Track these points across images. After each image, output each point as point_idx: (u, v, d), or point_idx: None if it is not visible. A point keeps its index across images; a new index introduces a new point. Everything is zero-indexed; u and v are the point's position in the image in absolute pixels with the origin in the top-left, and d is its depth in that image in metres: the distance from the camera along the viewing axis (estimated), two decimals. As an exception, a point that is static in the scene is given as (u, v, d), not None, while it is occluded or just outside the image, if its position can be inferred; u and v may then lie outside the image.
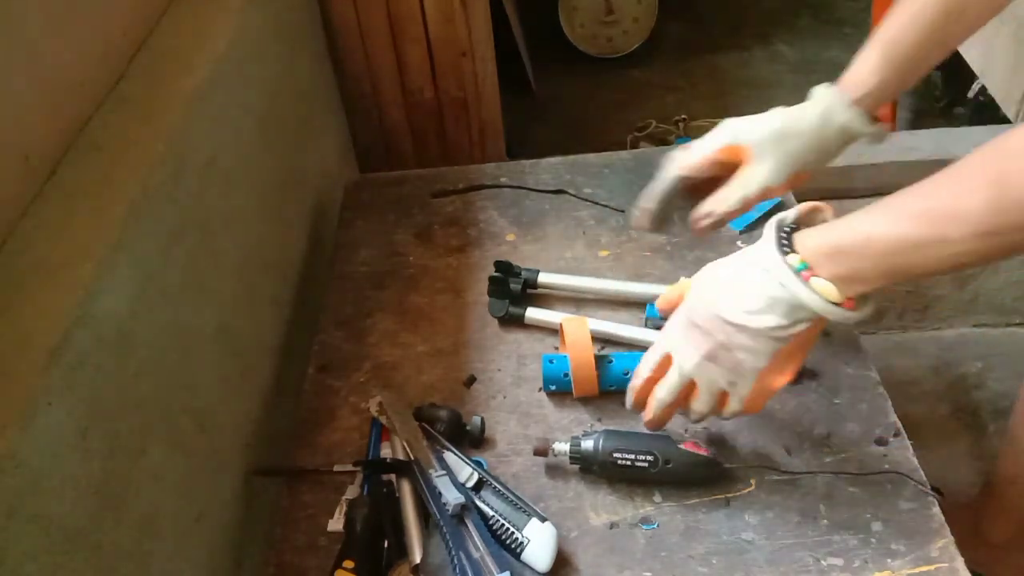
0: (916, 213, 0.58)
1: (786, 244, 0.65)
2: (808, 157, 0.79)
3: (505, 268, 0.98)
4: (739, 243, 1.04)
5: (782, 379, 0.71)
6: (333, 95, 1.43)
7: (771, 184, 0.80)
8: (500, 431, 0.86)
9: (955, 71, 1.82)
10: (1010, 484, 1.19)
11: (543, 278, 0.99)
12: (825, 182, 1.51)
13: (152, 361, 0.69)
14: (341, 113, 1.47)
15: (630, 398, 0.76)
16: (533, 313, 0.96)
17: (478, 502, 0.76)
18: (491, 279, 0.97)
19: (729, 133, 0.82)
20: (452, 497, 0.74)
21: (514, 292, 0.97)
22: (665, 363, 0.72)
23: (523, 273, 0.99)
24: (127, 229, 0.66)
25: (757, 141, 0.80)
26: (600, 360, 0.85)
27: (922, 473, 0.78)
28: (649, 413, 0.74)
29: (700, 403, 0.71)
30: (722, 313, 0.66)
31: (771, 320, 0.64)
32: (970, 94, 1.83)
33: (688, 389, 0.72)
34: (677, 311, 0.72)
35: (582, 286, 0.99)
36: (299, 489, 0.83)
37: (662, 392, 0.72)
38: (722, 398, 0.71)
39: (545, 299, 0.99)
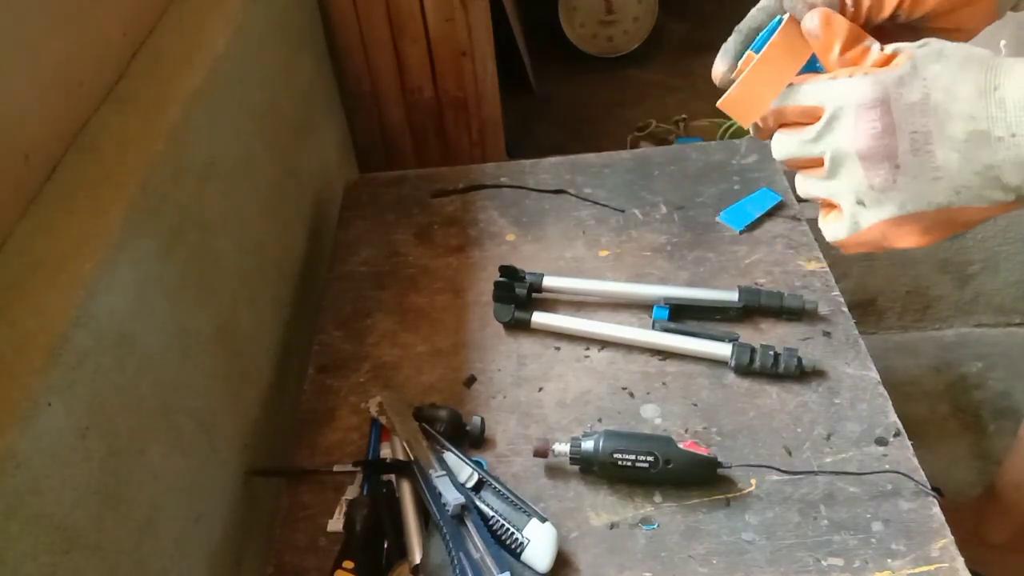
0: None
1: None
2: None
3: (510, 273, 0.98)
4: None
5: (910, 239, 0.51)
6: (333, 94, 1.43)
7: None
8: (500, 431, 0.86)
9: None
10: (1016, 489, 1.19)
11: (548, 282, 0.99)
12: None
13: (152, 361, 0.69)
14: (341, 112, 1.47)
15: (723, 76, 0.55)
16: (539, 318, 0.95)
17: (478, 502, 0.76)
18: (496, 284, 0.97)
19: None
20: (452, 497, 0.74)
21: (519, 297, 0.97)
22: (810, 112, 0.51)
23: (528, 277, 0.98)
24: (127, 229, 0.66)
25: None
26: None
27: (922, 473, 0.78)
28: (787, 146, 0.53)
29: (807, 187, 0.53)
30: (934, 124, 0.46)
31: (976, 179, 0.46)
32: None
33: (811, 160, 0.52)
34: (871, 70, 0.48)
35: (587, 289, 0.99)
36: (299, 489, 0.83)
37: (785, 144, 0.53)
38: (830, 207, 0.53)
39: (550, 303, 0.99)
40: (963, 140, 0.45)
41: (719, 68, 0.57)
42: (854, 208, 0.50)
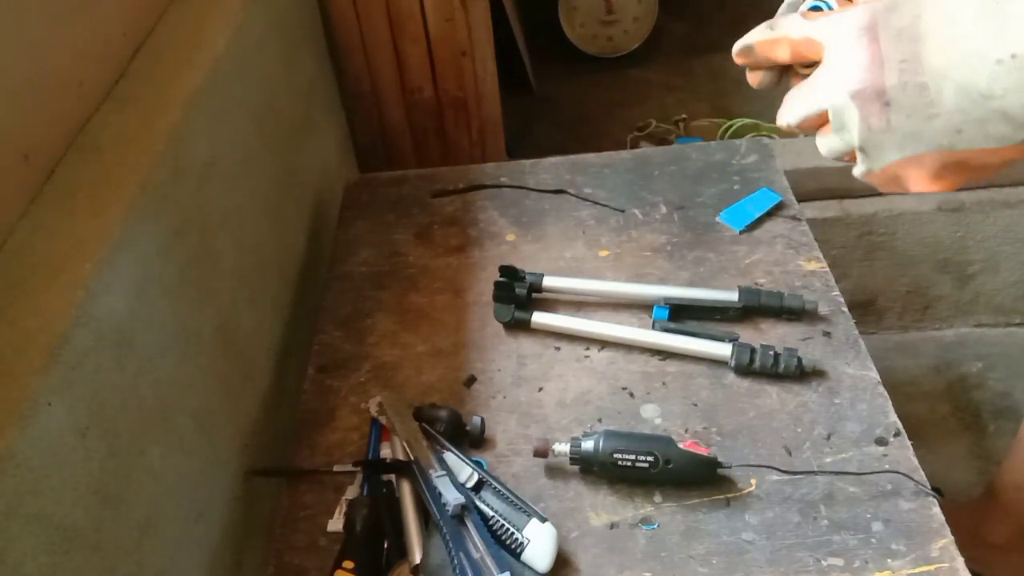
0: None
1: None
2: None
3: (510, 273, 0.98)
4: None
5: (920, 184, 0.46)
6: (333, 94, 1.43)
7: None
8: (500, 431, 0.86)
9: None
10: (1016, 489, 1.18)
11: (548, 282, 0.99)
12: (825, 182, 1.51)
13: (152, 361, 0.69)
14: (341, 112, 1.47)
15: (742, 44, 0.54)
16: (539, 318, 0.95)
17: (478, 502, 0.76)
18: (496, 284, 0.97)
19: None
20: (452, 497, 0.74)
21: (519, 297, 0.96)
22: (805, 47, 0.48)
23: (528, 277, 0.98)
24: (127, 229, 0.66)
25: None
26: None
27: (922, 473, 0.78)
28: (756, 79, 0.53)
29: (827, 145, 0.49)
30: (925, 52, 0.40)
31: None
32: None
33: (820, 117, 0.48)
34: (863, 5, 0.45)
35: (587, 289, 0.99)
36: (299, 489, 0.83)
37: (791, 101, 0.50)
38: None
39: (550, 303, 0.99)
40: (957, 66, 0.38)
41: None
42: (860, 155, 0.46)
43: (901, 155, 0.43)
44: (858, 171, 0.48)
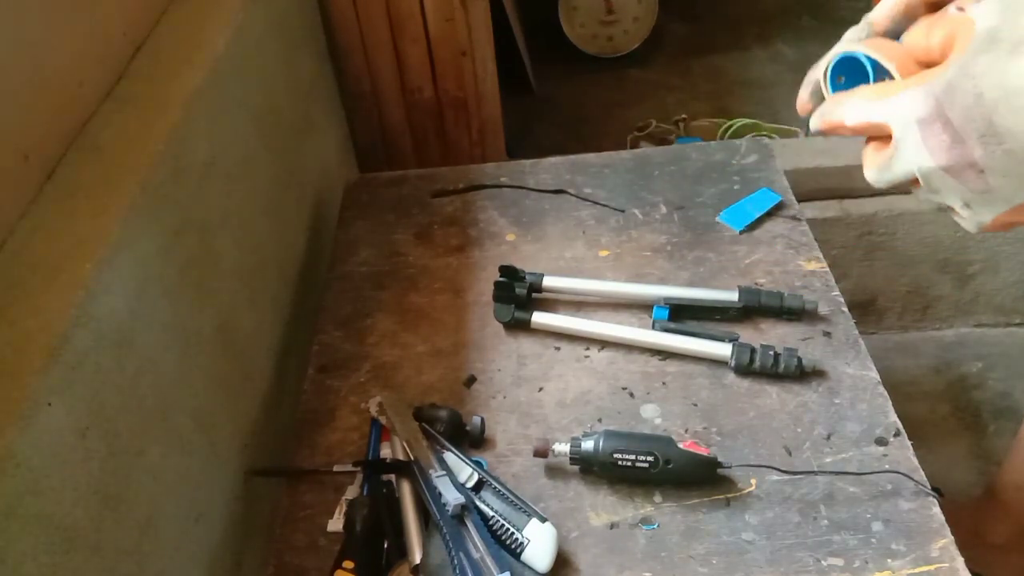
0: None
1: None
2: None
3: (510, 273, 0.98)
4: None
5: None
6: (333, 94, 1.43)
7: None
8: (500, 431, 0.86)
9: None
10: (1016, 489, 1.19)
11: (548, 282, 0.99)
12: (825, 182, 1.51)
13: (152, 361, 0.69)
14: (341, 112, 1.47)
15: (816, 124, 0.54)
16: (539, 317, 0.95)
17: (478, 502, 0.76)
18: (496, 284, 0.97)
19: None
20: (452, 497, 0.74)
21: (519, 297, 0.96)
22: (878, 131, 0.50)
23: (528, 277, 0.98)
24: (127, 229, 0.66)
25: None
26: None
27: (922, 473, 0.78)
28: (877, 176, 0.52)
29: (922, 196, 0.51)
30: (999, 122, 0.43)
31: None
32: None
33: (910, 180, 0.50)
34: (927, 76, 0.46)
35: (587, 289, 0.99)
36: (299, 489, 0.83)
37: (875, 172, 0.51)
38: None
39: (550, 303, 0.99)
40: None
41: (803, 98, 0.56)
42: (965, 211, 0.49)
43: (1009, 206, 0.47)
44: (969, 225, 0.50)
